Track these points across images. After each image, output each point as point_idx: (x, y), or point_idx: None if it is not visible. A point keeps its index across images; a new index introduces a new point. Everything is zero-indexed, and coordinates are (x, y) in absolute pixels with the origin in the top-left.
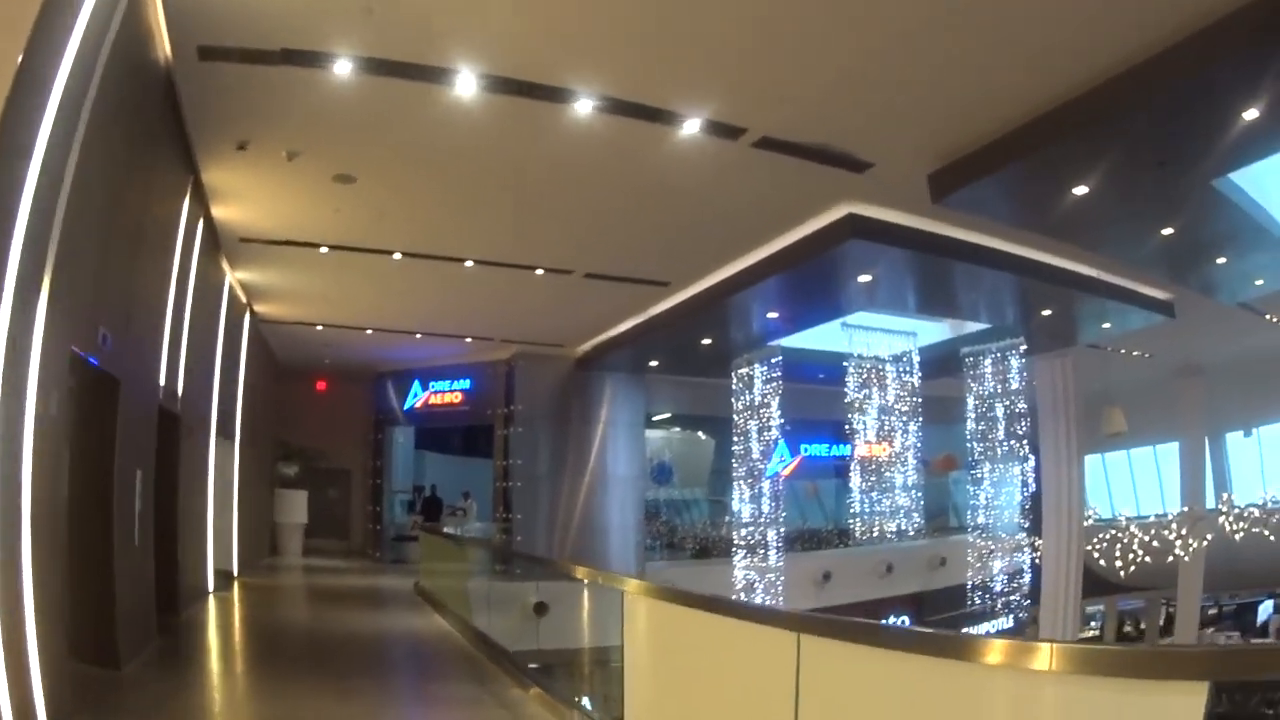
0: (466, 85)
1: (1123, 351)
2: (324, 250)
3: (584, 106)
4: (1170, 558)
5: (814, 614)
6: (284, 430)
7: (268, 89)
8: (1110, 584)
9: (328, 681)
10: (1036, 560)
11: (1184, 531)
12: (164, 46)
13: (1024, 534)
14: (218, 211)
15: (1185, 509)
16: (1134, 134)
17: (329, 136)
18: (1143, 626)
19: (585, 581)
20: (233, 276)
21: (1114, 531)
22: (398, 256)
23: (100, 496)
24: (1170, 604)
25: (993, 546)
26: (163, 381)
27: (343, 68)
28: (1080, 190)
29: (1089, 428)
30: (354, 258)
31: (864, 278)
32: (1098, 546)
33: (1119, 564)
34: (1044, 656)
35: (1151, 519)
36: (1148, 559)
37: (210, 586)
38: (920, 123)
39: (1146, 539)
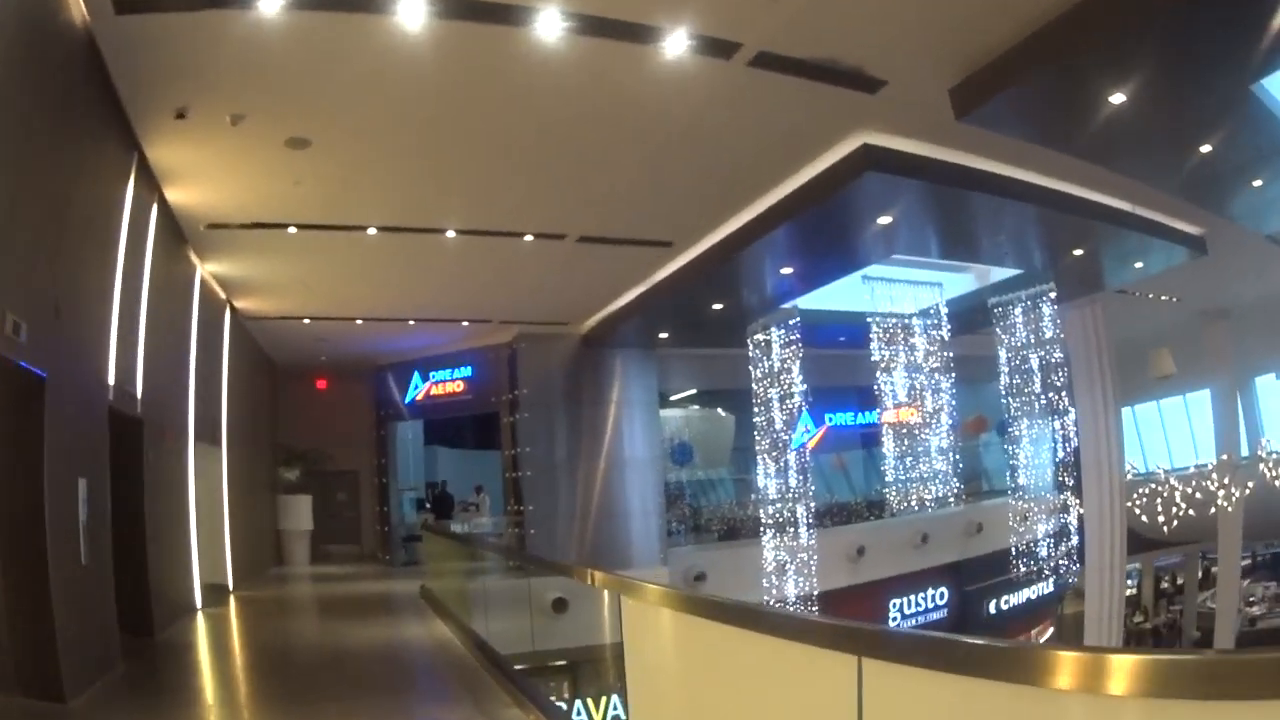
0: (412, 12)
1: (1150, 296)
2: (292, 231)
3: (550, 27)
4: (1212, 509)
5: (878, 630)
6: (285, 433)
7: (196, 41)
8: (1147, 540)
9: (299, 709)
10: (1075, 520)
11: (1225, 481)
12: (78, 3)
13: (1062, 493)
14: (173, 195)
15: (1224, 457)
16: (1169, 30)
17: (272, 93)
18: (1180, 582)
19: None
20: (204, 270)
21: (1153, 485)
22: (372, 232)
23: (30, 510)
24: (1207, 557)
25: (1031, 508)
26: (112, 380)
27: (270, 4)
28: (1115, 98)
29: (1124, 377)
30: (326, 238)
31: (883, 219)
32: (1137, 502)
33: (1161, 519)
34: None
35: (1191, 470)
36: (1191, 512)
37: (198, 603)
38: (937, 28)
39: (1190, 491)
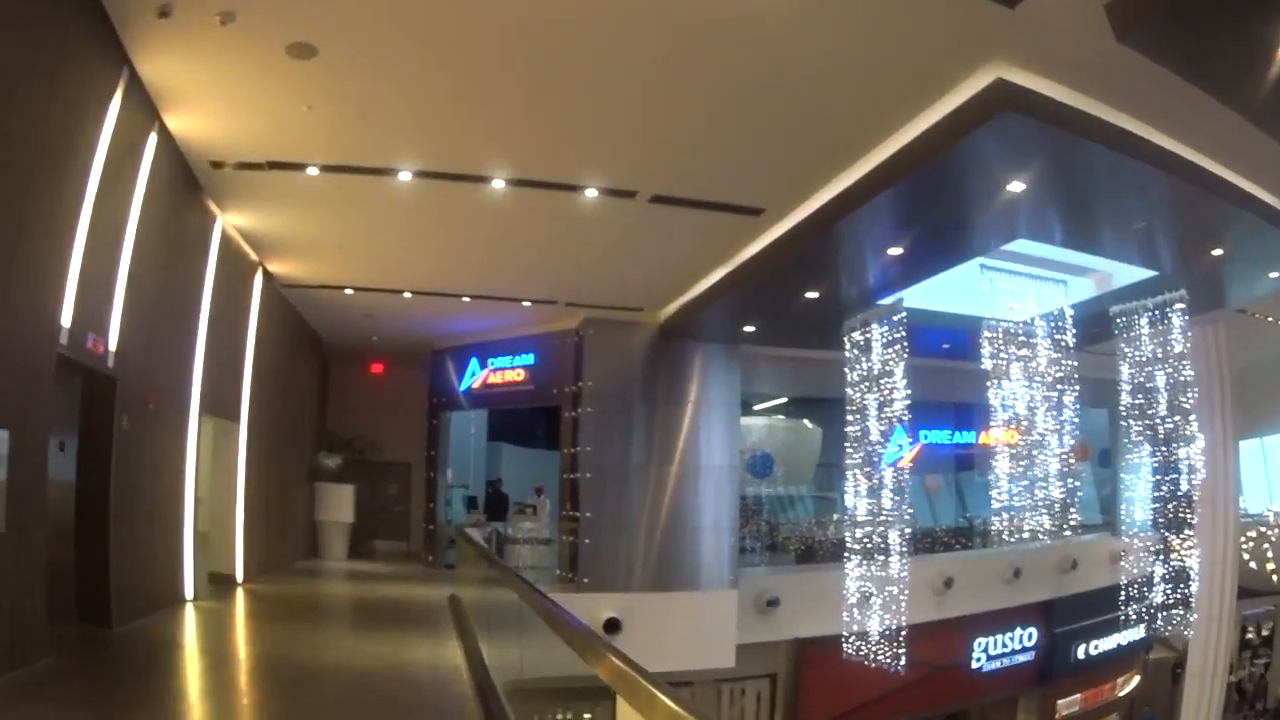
0: None
1: (1270, 319)
2: (313, 172)
3: None
4: None
5: None
6: (333, 418)
7: None
8: (1243, 589)
9: None
10: (1185, 562)
11: None
12: None
13: (1172, 531)
14: (174, 123)
15: None
16: None
17: None
18: (1266, 634)
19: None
20: (226, 222)
21: (1262, 529)
22: (405, 177)
23: None
24: None
25: (1137, 546)
26: (67, 324)
27: None
28: None
29: (1243, 407)
30: (353, 184)
31: (1013, 185)
32: (1244, 546)
33: (1271, 566)
34: None
35: None
36: None
37: (189, 593)
38: None
39: None
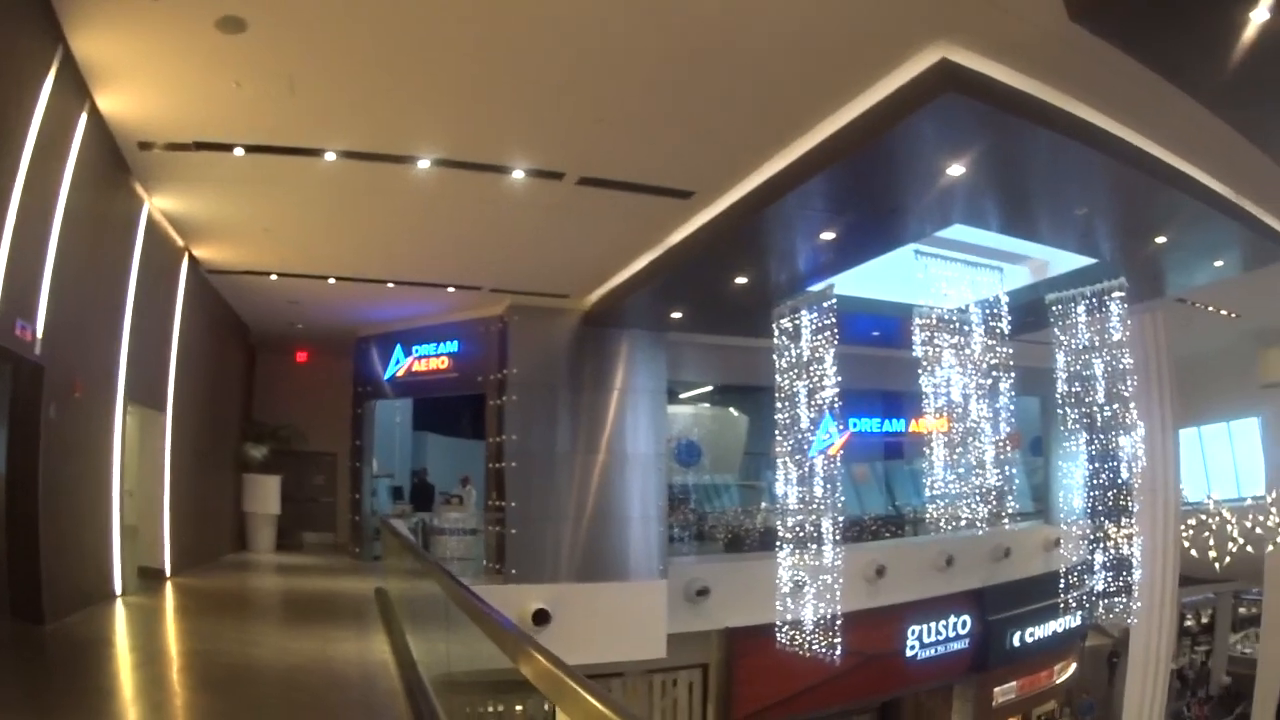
0: None
1: (1209, 309)
2: (240, 153)
3: None
4: (1270, 547)
5: None
6: (259, 407)
7: None
8: (1184, 576)
9: None
10: (1125, 550)
11: None
12: None
13: (1110, 519)
14: (105, 104)
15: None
16: None
17: None
18: (1205, 621)
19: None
20: (153, 206)
21: (1202, 516)
22: (330, 157)
23: None
24: (1240, 598)
25: (1071, 534)
26: None
27: None
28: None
29: (1180, 397)
30: (279, 164)
31: (953, 169)
32: (1184, 534)
33: (1212, 554)
34: None
35: (1249, 502)
36: (1249, 548)
37: (118, 589)
38: None
39: (1248, 525)
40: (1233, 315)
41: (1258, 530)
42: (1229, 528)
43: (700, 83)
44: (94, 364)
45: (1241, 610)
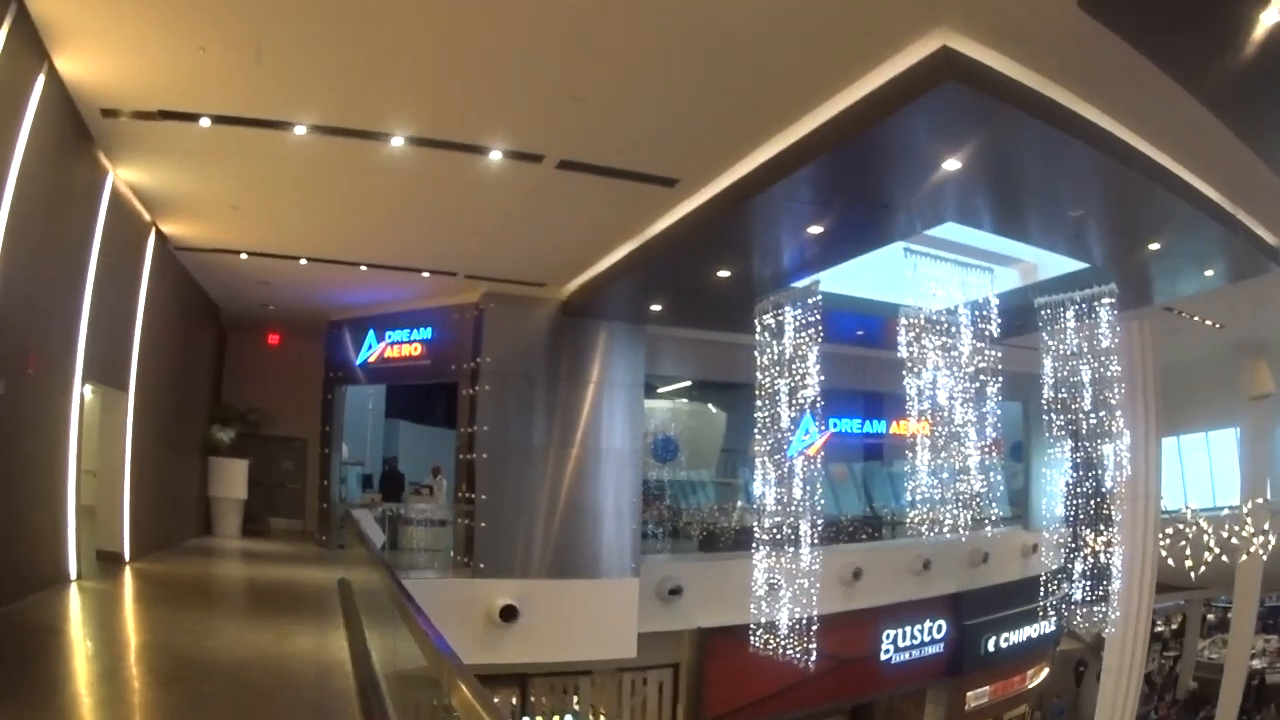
0: None
1: (1195, 318)
2: (206, 124)
3: None
4: (1244, 556)
5: None
6: (228, 389)
7: None
8: (1163, 585)
9: None
10: (1103, 557)
11: (1265, 527)
12: None
13: (1086, 526)
14: (65, 66)
15: (1259, 500)
16: None
17: None
18: (1174, 627)
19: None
20: (118, 177)
21: (1180, 525)
22: (300, 130)
23: None
24: (1210, 604)
25: (1052, 541)
26: None
27: None
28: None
29: (1167, 405)
30: (248, 136)
31: (950, 164)
32: (1161, 542)
33: (1189, 563)
34: None
35: (1225, 512)
36: (1224, 557)
37: (73, 573)
38: None
39: (1224, 535)
40: (1217, 326)
41: (1233, 540)
42: (1205, 537)
43: (687, 63)
44: (51, 340)
45: (1210, 617)
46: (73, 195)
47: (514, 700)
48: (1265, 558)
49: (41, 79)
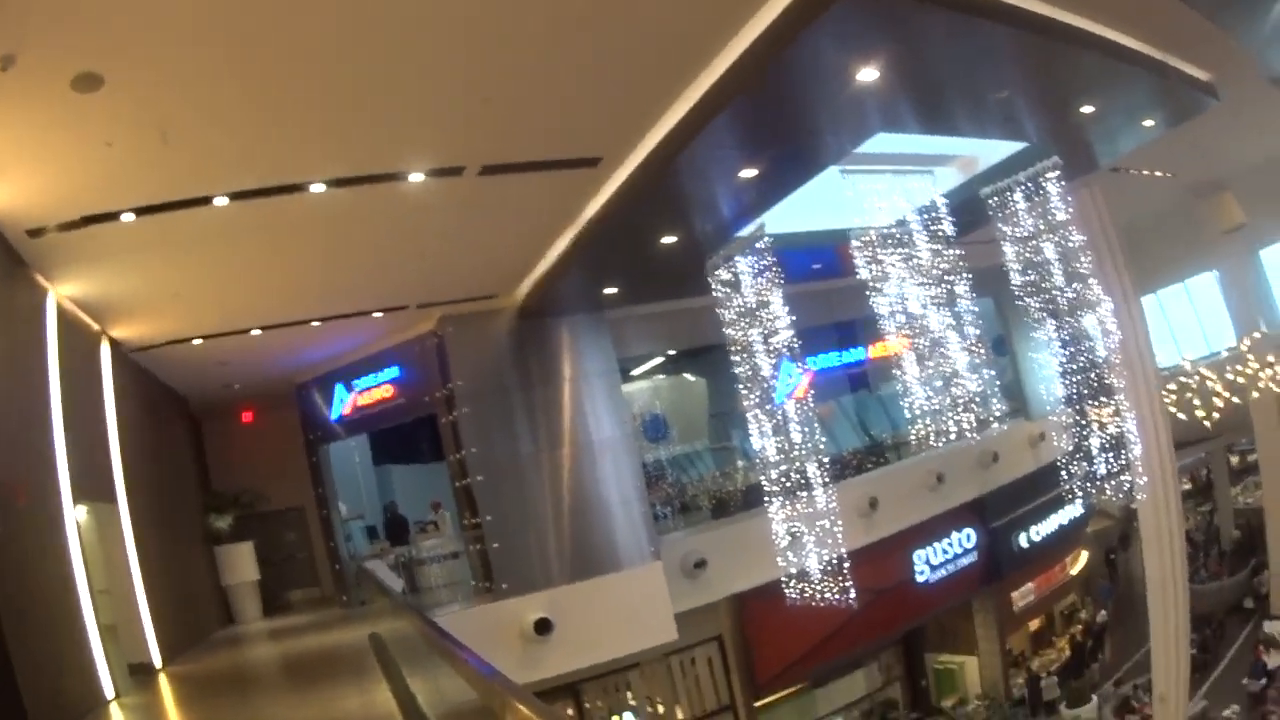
0: None
1: (1144, 173)
2: (129, 218)
3: None
4: (1255, 394)
5: None
6: (215, 477)
7: None
8: (1180, 442)
9: None
10: (1115, 427)
11: (1270, 360)
12: None
13: (1090, 401)
14: None
15: (1256, 336)
16: None
17: (35, 13)
18: (1203, 480)
19: None
20: (58, 294)
21: (1181, 379)
22: (222, 202)
23: None
24: (1233, 449)
25: (1061, 423)
26: None
27: None
28: None
29: (1137, 264)
30: (171, 222)
31: (865, 75)
32: (1168, 400)
33: (1200, 413)
34: None
35: (1224, 354)
36: (1235, 399)
37: (110, 692)
38: None
39: (1230, 377)
40: (1169, 175)
41: (1239, 380)
42: (1210, 384)
43: (579, 38)
44: (33, 469)
45: (1235, 461)
46: (19, 322)
47: (570, 711)
48: (1278, 389)
49: None
